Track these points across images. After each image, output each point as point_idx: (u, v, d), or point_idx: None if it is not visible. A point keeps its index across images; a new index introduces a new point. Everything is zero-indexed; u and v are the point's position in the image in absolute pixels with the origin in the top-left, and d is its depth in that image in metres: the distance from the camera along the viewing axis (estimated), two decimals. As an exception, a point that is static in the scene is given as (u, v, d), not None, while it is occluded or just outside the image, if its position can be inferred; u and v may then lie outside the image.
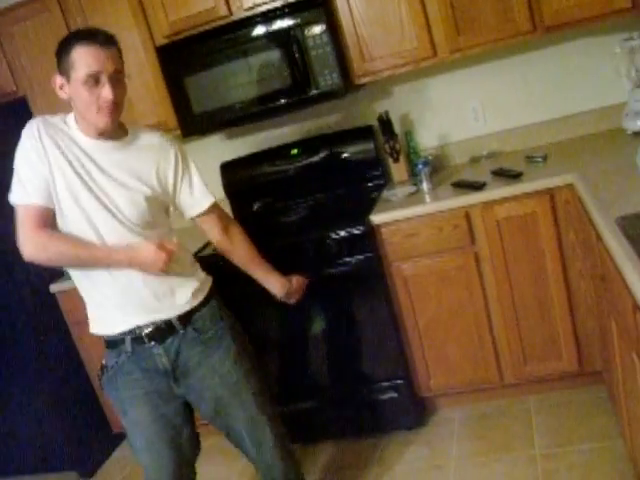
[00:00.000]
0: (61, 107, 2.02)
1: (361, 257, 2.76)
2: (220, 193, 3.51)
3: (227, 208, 3.53)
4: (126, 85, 1.98)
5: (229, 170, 3.47)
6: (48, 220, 1.93)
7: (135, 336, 2.03)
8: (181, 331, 2.06)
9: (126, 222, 1.97)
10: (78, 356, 3.42)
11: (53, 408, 3.31)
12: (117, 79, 1.91)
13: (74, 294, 2.20)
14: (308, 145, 3.33)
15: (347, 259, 2.78)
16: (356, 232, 2.75)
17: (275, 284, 2.36)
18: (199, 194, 2.14)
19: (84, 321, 2.13)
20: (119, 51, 1.95)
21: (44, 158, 1.91)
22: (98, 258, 1.95)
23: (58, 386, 3.33)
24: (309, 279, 2.51)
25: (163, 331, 2.04)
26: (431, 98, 3.24)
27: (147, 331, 2.03)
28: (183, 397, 2.13)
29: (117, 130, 2.01)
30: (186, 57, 3.00)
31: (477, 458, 2.69)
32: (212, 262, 2.94)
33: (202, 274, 2.19)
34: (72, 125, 1.97)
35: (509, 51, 3.06)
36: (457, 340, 2.86)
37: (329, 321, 2.91)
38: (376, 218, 2.79)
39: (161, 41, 3.09)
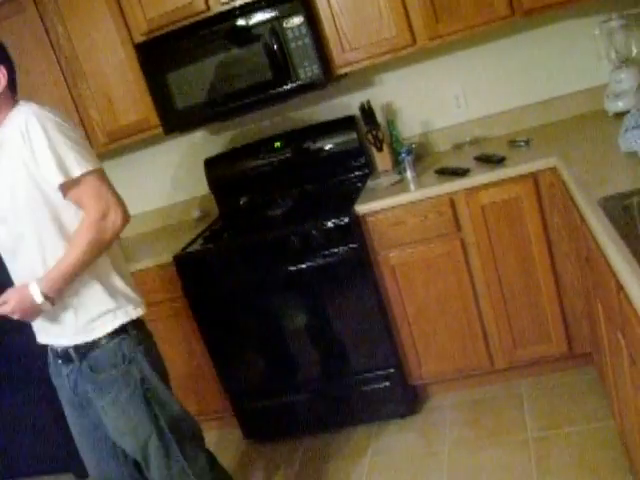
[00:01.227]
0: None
1: (347, 247, 2.76)
2: (205, 189, 3.50)
3: (213, 203, 3.53)
4: None
5: (213, 166, 3.45)
6: None
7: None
8: (77, 363, 2.01)
9: None
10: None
11: (51, 412, 3.28)
12: None
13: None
14: (291, 138, 3.32)
15: (334, 250, 2.78)
16: (342, 222, 2.74)
17: None
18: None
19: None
20: None
21: None
22: None
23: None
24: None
25: (65, 356, 2.03)
26: (412, 86, 3.23)
27: (57, 349, 2.06)
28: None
29: None
30: (165, 54, 2.98)
31: (470, 444, 2.70)
32: (199, 257, 2.96)
33: (104, 308, 1.97)
34: None
35: (489, 37, 3.05)
36: (447, 327, 2.86)
37: (318, 313, 2.91)
38: (361, 208, 2.78)
39: (139, 38, 3.06)
